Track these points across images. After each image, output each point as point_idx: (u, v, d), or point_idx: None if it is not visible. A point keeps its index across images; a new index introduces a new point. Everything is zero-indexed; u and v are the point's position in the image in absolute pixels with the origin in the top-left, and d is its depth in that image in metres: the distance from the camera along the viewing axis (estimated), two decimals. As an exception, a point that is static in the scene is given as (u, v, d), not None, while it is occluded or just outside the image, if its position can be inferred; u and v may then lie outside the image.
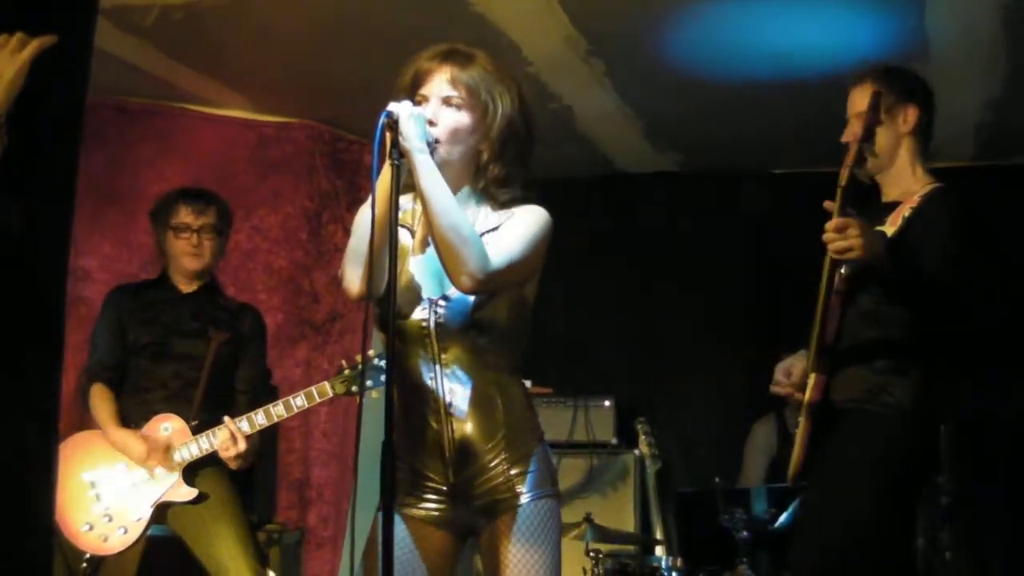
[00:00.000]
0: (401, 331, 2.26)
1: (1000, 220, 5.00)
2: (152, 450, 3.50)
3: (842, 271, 2.87)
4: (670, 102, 4.71)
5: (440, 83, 2.26)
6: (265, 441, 4.10)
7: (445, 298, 2.27)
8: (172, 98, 4.82)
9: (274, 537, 4.32)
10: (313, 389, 3.47)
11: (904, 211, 2.95)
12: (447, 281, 2.21)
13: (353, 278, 2.22)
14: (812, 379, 2.93)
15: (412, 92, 2.27)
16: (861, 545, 2.82)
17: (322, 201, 5.09)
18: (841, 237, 2.65)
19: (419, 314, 2.27)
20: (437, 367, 2.27)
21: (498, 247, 2.21)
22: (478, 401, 2.27)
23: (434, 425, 2.27)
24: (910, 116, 3.04)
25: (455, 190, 2.23)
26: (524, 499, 2.26)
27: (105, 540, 3.48)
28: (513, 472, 2.26)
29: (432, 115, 2.22)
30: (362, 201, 2.29)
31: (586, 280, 5.53)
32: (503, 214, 2.31)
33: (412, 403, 2.29)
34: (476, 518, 2.30)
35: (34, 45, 2.01)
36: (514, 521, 2.24)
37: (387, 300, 2.12)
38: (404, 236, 2.33)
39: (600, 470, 5.02)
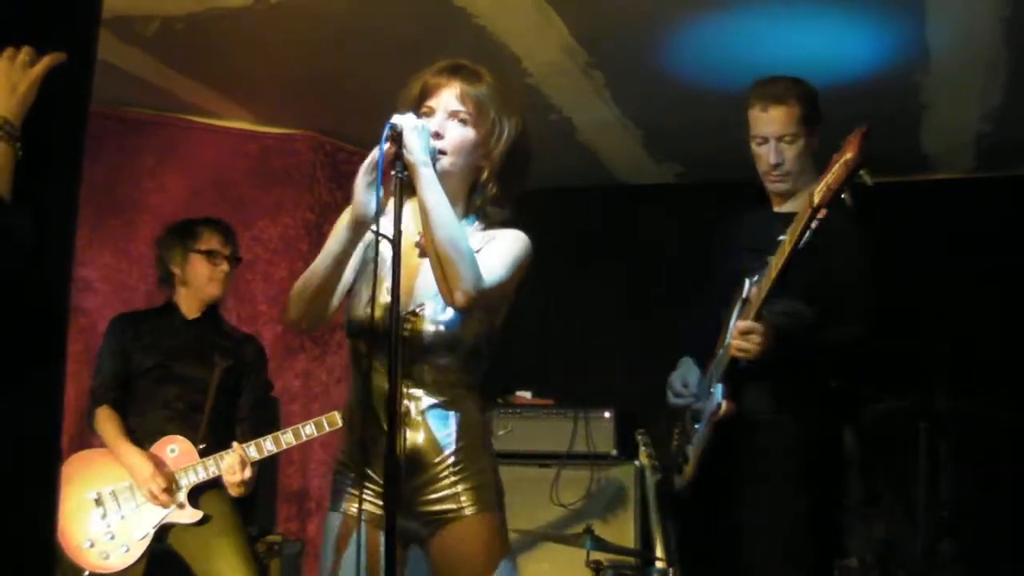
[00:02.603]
0: (371, 341, 2.26)
1: (1000, 232, 5.06)
2: (157, 474, 3.49)
3: (753, 280, 2.88)
4: (669, 113, 4.72)
5: (448, 97, 2.27)
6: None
7: (414, 313, 2.27)
8: (173, 109, 4.83)
9: (274, 548, 4.31)
10: (323, 419, 3.55)
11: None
12: (417, 296, 2.25)
13: (300, 304, 2.28)
14: (719, 388, 2.95)
15: (418, 105, 2.29)
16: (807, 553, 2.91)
17: (322, 212, 5.09)
18: (743, 339, 2.77)
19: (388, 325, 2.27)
20: (398, 379, 2.26)
21: (487, 266, 2.22)
22: (433, 415, 2.28)
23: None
24: (817, 135, 3.06)
25: (450, 204, 2.23)
26: (469, 511, 2.27)
27: (107, 558, 3.47)
28: (460, 487, 2.27)
29: (438, 127, 2.24)
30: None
31: (585, 291, 5.53)
32: (485, 236, 2.32)
33: (370, 411, 2.29)
34: (421, 528, 2.30)
35: (46, 62, 2.02)
36: (459, 534, 2.26)
37: (391, 308, 2.12)
38: (385, 248, 2.34)
39: (600, 481, 5.01)
